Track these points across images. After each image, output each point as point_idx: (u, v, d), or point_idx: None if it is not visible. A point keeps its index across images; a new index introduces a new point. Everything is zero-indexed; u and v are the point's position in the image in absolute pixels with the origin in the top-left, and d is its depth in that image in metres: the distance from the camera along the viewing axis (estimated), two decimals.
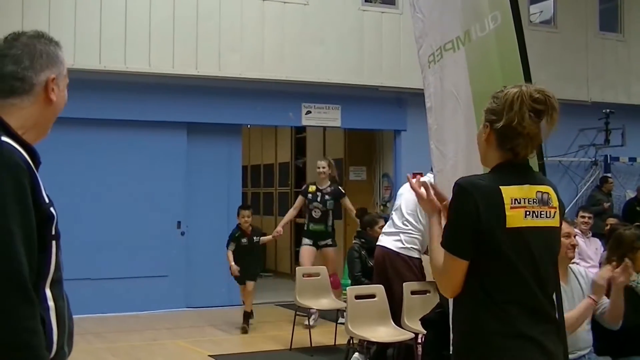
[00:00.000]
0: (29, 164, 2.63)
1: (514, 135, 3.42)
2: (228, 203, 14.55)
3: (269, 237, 12.97)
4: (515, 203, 3.36)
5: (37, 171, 2.72)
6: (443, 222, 3.65)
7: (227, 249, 12.21)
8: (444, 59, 5.49)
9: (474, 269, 3.36)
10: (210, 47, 14.06)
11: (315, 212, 12.87)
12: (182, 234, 14.11)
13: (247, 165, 19.30)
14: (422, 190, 3.83)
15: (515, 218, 3.35)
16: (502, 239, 3.34)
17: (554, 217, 3.49)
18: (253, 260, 12.53)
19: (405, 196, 9.10)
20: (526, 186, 3.43)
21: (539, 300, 3.43)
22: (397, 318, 8.74)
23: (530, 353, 3.36)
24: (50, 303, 2.65)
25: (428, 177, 8.85)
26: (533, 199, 3.41)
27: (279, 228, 12.80)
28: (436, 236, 3.60)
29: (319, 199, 12.89)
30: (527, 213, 3.38)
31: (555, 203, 3.51)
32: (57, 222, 2.74)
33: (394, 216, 9.29)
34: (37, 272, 2.59)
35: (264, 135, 20.60)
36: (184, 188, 14.25)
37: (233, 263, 12.13)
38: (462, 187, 3.40)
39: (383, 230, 9.54)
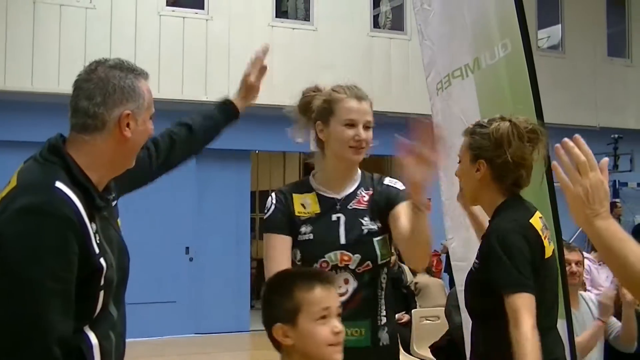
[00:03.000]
0: (80, 214, 2.52)
1: (517, 168, 3.47)
2: (237, 228, 14.58)
3: None
4: (543, 233, 3.45)
5: (100, 212, 2.66)
6: None
7: None
8: (452, 86, 5.50)
9: None
10: (219, 73, 14.10)
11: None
12: (191, 259, 14.11)
13: (255, 191, 19.32)
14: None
15: (547, 248, 3.46)
16: (545, 270, 3.42)
17: (551, 238, 3.62)
18: None
19: None
20: (535, 216, 3.51)
21: (557, 313, 3.61)
22: None
23: None
24: (94, 341, 2.60)
25: None
26: (543, 227, 3.50)
27: None
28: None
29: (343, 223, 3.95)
30: (549, 240, 3.46)
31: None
32: (108, 271, 2.63)
33: None
34: (79, 318, 2.53)
35: (272, 161, 20.62)
36: (192, 213, 14.26)
37: None
38: (513, 230, 3.38)
39: None
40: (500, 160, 3.45)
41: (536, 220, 3.47)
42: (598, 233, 2.39)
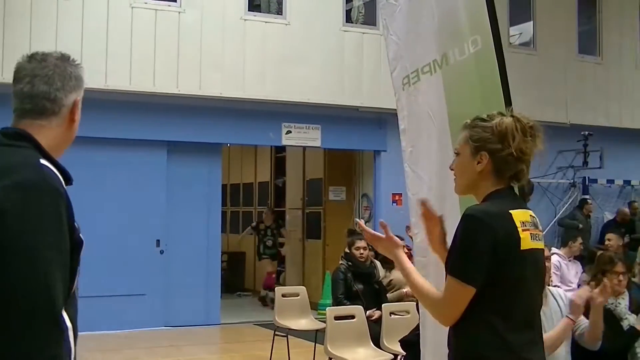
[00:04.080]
0: (65, 189, 2.62)
1: (519, 162, 3.50)
2: (208, 222, 14.56)
3: None
4: (523, 226, 3.45)
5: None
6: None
7: None
8: (421, 82, 5.50)
9: (485, 295, 3.39)
10: (191, 65, 14.06)
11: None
12: (161, 252, 14.07)
13: (226, 184, 19.32)
14: (370, 230, 3.87)
15: (526, 241, 3.44)
16: (517, 262, 3.42)
17: (542, 240, 3.60)
18: None
19: None
20: (522, 210, 3.51)
21: (538, 318, 3.56)
22: None
23: None
24: (69, 323, 2.63)
25: None
26: (530, 222, 3.50)
27: None
28: (411, 270, 3.65)
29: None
30: (532, 236, 3.46)
31: (540, 226, 3.60)
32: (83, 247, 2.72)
33: None
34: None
35: (244, 154, 20.61)
36: (163, 206, 14.21)
37: None
38: (476, 217, 3.41)
39: None
40: (504, 153, 3.48)
41: (520, 214, 3.48)
42: None
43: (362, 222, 3.96)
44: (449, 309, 3.47)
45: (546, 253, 6.28)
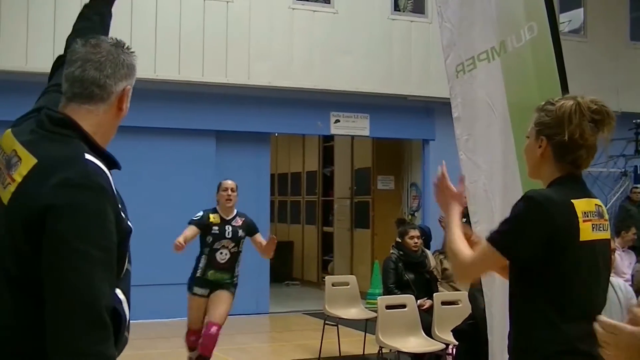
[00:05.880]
0: (110, 182, 2.62)
1: (576, 147, 3.42)
2: (256, 211, 14.56)
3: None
4: (585, 216, 3.38)
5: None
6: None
7: None
8: (477, 69, 5.46)
9: (541, 285, 3.36)
10: (240, 55, 14.09)
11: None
12: None
13: (274, 174, 19.35)
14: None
15: (586, 231, 3.37)
16: (576, 253, 3.35)
17: (607, 230, 3.52)
18: None
19: None
20: (587, 199, 3.44)
21: (599, 311, 3.46)
22: None
23: None
24: (122, 297, 2.68)
25: None
26: (594, 212, 3.43)
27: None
28: (455, 227, 3.63)
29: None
30: (594, 226, 3.40)
31: (606, 216, 3.54)
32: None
33: None
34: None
35: (292, 144, 20.63)
36: (212, 196, 14.23)
37: None
38: (537, 201, 3.36)
39: None
40: (559, 138, 3.42)
41: (584, 203, 3.42)
42: None
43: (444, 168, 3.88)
44: (472, 267, 3.52)
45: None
